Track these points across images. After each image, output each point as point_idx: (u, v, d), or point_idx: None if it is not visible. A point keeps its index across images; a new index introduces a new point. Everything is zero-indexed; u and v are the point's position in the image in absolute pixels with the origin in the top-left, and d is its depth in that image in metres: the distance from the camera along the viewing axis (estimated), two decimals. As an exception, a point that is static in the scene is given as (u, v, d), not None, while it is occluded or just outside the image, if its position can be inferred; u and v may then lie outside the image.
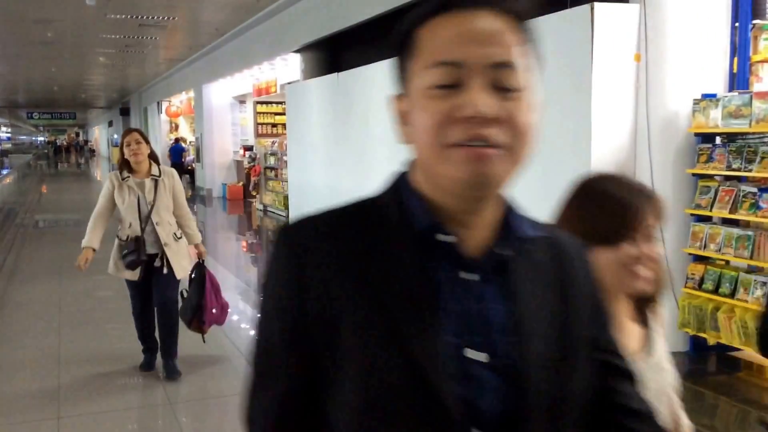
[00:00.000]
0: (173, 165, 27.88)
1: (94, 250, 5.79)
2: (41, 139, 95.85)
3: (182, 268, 5.81)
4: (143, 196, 5.69)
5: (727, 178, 5.98)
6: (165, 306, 5.86)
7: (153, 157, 5.84)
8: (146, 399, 5.47)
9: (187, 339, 6.06)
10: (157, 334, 6.01)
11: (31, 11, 14.73)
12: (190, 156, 26.99)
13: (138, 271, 5.71)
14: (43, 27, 16.50)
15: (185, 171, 26.87)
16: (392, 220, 1.15)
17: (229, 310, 6.35)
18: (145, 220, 5.66)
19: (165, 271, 5.70)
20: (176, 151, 28.00)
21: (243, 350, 6.59)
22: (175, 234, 5.78)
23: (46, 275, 10.42)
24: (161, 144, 29.93)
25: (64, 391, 5.62)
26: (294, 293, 1.12)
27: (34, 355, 6.65)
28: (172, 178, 5.88)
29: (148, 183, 5.72)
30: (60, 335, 7.15)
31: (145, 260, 5.67)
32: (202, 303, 5.91)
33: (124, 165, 5.77)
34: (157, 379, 5.86)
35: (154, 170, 5.78)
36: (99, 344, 6.92)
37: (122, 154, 5.75)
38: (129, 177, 5.70)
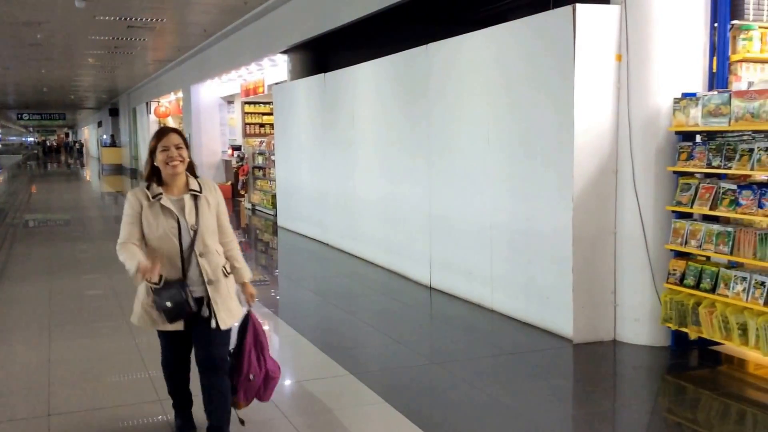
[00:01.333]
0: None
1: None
2: (31, 139, 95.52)
3: (231, 313, 4.32)
4: (183, 220, 4.17)
5: (707, 175, 6.06)
6: (213, 368, 4.30)
7: (191, 167, 4.34)
8: (136, 396, 5.50)
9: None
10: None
11: (20, 13, 14.73)
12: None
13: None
14: (32, 29, 16.50)
15: None
16: None
17: (278, 377, 4.64)
18: (187, 252, 4.17)
19: (214, 323, 4.20)
20: None
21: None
22: (224, 268, 4.30)
23: (36, 274, 10.44)
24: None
25: (54, 389, 5.65)
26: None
27: (23, 352, 6.69)
28: (215, 192, 4.39)
29: (188, 201, 4.21)
30: (50, 333, 7.18)
31: (195, 311, 4.17)
32: (238, 364, 4.43)
33: (154, 178, 4.26)
34: (147, 376, 5.90)
35: (193, 184, 4.28)
36: (89, 342, 6.96)
37: (151, 162, 4.23)
38: (162, 194, 4.17)
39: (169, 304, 4.06)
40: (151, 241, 4.16)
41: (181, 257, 4.14)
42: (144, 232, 4.16)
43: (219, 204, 4.36)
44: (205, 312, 4.19)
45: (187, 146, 4.28)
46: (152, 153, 4.21)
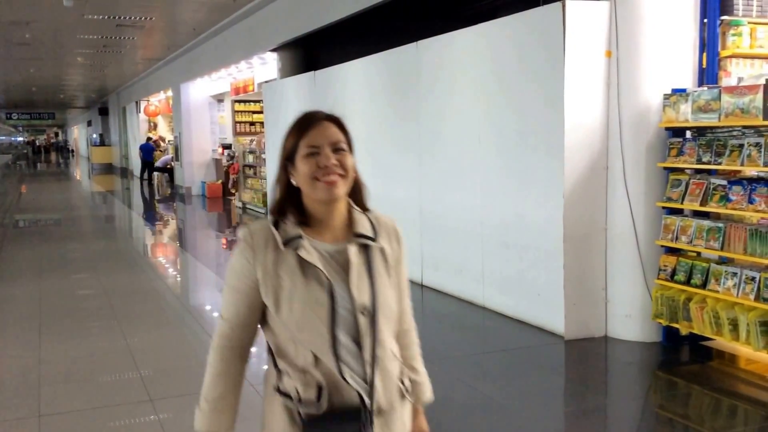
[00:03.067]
0: (144, 164, 27.84)
1: None
2: (20, 139, 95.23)
3: None
4: (344, 291, 2.15)
5: (698, 171, 6.08)
6: None
7: (356, 189, 2.28)
8: (127, 396, 5.49)
9: (175, 344, 6.04)
10: None
11: (8, 12, 14.66)
12: (168, 155, 26.93)
13: None
14: (20, 28, 16.42)
15: (155, 169, 26.82)
16: None
17: None
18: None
19: None
20: (147, 150, 27.97)
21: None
22: (402, 383, 2.29)
23: (26, 274, 10.40)
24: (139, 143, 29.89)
25: (44, 389, 5.62)
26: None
27: (14, 352, 6.66)
28: (396, 237, 2.33)
29: (355, 256, 2.19)
30: (41, 333, 7.15)
31: None
32: None
33: (291, 207, 2.23)
34: (138, 376, 5.89)
35: (361, 222, 2.25)
36: (80, 342, 6.93)
37: (285, 178, 2.23)
38: (302, 238, 2.16)
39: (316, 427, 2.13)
40: (290, 326, 2.11)
41: (338, 365, 2.09)
42: (271, 310, 2.14)
43: (400, 260, 2.31)
44: None
45: (352, 148, 2.24)
46: (288, 159, 2.20)
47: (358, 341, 2.13)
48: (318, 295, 2.10)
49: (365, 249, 2.20)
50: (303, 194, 2.20)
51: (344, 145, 2.21)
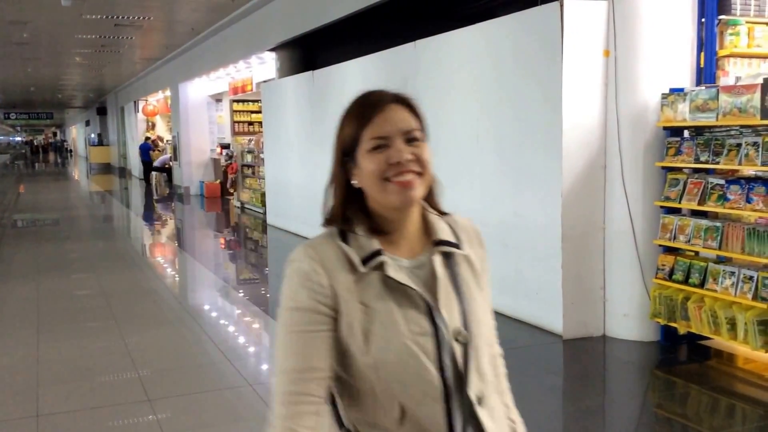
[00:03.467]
0: (143, 164, 27.83)
1: None
2: (18, 139, 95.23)
3: None
4: (439, 317, 1.64)
5: (695, 170, 6.08)
6: None
7: (431, 185, 1.81)
8: (125, 396, 5.48)
9: (173, 344, 6.05)
10: None
11: (6, 12, 14.66)
12: (166, 154, 26.92)
13: None
14: (18, 28, 16.42)
15: (154, 169, 26.80)
16: None
17: None
18: (456, 397, 1.62)
19: None
20: (144, 150, 27.95)
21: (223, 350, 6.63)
22: (512, 422, 1.83)
23: (24, 274, 10.40)
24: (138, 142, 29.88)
25: (42, 389, 5.62)
26: None
27: (12, 352, 6.65)
28: (480, 243, 1.86)
29: (440, 267, 1.71)
30: (39, 333, 7.15)
31: None
32: None
33: (356, 213, 1.72)
34: (136, 376, 5.89)
35: (438, 226, 1.77)
36: (78, 342, 6.93)
37: (344, 176, 1.73)
38: (381, 254, 1.66)
39: None
40: (359, 377, 1.63)
41: (447, 411, 1.62)
42: (344, 354, 1.63)
43: (486, 269, 1.85)
44: None
45: (426, 136, 1.81)
46: (347, 154, 1.73)
47: (462, 380, 1.63)
48: (419, 325, 1.61)
49: (448, 258, 1.74)
50: (368, 197, 1.72)
51: (418, 134, 1.76)
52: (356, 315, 1.60)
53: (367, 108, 1.75)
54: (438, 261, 1.70)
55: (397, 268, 1.66)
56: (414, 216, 1.74)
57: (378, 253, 1.65)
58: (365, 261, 1.64)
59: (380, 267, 1.64)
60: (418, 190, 1.67)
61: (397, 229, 1.71)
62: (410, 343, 1.58)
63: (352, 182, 1.71)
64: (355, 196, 1.72)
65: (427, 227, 1.77)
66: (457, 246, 1.76)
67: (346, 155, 1.71)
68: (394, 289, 1.63)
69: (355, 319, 1.59)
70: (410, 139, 1.71)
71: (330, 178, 1.76)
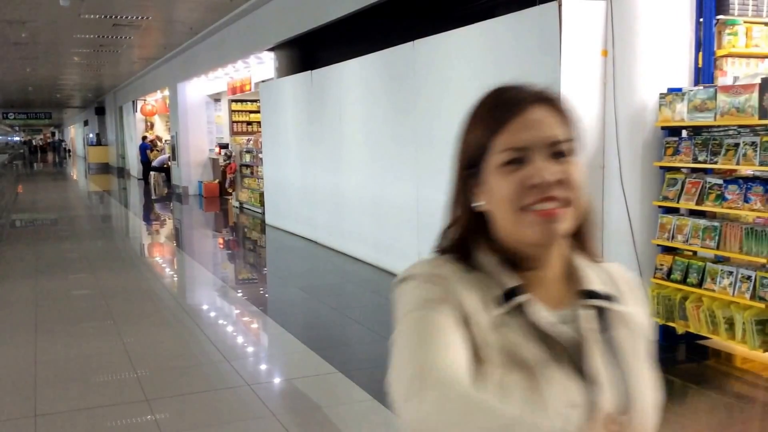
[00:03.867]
0: (141, 164, 27.83)
1: None
2: (17, 139, 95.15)
3: None
4: (598, 390, 1.24)
5: (694, 170, 6.08)
6: None
7: (583, 219, 1.39)
8: (123, 396, 5.48)
9: (171, 344, 6.04)
10: None
11: (4, 12, 14.64)
12: (165, 154, 26.91)
13: None
14: (17, 27, 16.40)
15: (152, 169, 26.78)
16: None
17: None
18: None
19: None
20: (142, 149, 27.94)
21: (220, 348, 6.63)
22: None
23: (22, 274, 10.39)
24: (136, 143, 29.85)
25: (40, 389, 5.62)
26: None
27: (10, 352, 6.65)
28: (637, 297, 1.44)
29: (589, 323, 1.31)
30: (37, 333, 7.15)
31: None
32: None
33: (484, 241, 1.33)
34: (134, 376, 5.88)
35: (589, 274, 1.37)
36: (76, 341, 6.92)
37: (464, 191, 1.35)
38: (521, 296, 1.28)
39: None
40: None
41: None
42: None
43: (646, 329, 1.43)
44: None
45: (578, 148, 1.40)
46: (471, 166, 1.35)
47: None
48: (571, 397, 1.22)
49: (601, 314, 1.33)
50: (497, 226, 1.32)
51: (568, 146, 1.35)
52: (494, 366, 1.23)
53: (500, 109, 1.35)
54: (586, 316, 1.31)
55: (551, 324, 1.27)
56: (556, 256, 1.35)
57: (514, 293, 1.28)
58: (507, 297, 1.28)
59: (527, 308, 1.28)
60: (565, 223, 1.28)
61: (532, 268, 1.32)
62: (565, 411, 1.20)
63: (474, 204, 1.33)
64: (479, 222, 1.33)
65: (571, 272, 1.37)
66: (611, 298, 1.36)
67: (470, 166, 1.33)
68: (537, 338, 1.26)
69: (494, 371, 1.23)
70: (557, 153, 1.31)
71: (449, 197, 1.38)
